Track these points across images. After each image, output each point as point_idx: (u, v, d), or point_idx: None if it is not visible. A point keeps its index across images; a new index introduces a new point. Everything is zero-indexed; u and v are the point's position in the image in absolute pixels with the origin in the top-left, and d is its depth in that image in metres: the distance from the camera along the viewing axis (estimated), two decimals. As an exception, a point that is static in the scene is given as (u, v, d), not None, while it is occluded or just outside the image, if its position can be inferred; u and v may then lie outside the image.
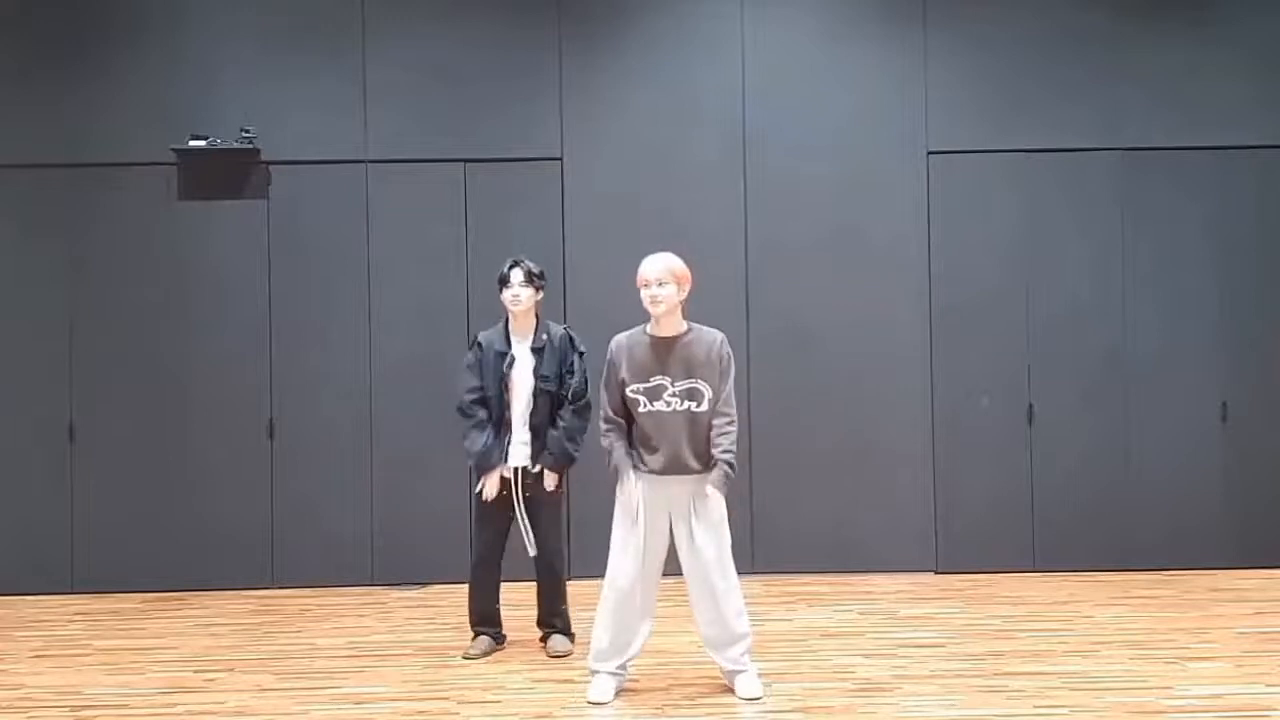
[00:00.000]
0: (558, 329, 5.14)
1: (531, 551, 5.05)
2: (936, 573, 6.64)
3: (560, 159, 6.70)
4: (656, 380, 4.36)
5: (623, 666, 4.51)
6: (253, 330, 6.61)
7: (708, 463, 4.38)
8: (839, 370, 6.65)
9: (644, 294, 4.36)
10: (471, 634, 5.15)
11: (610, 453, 4.47)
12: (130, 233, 6.60)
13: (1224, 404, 6.69)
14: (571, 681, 4.68)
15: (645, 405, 4.36)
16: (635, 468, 4.43)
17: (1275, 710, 4.20)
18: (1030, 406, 6.68)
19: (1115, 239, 6.73)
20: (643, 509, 4.41)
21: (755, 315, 6.66)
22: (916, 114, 6.74)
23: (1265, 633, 5.28)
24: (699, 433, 4.36)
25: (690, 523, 4.40)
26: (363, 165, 6.67)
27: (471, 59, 6.69)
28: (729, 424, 4.39)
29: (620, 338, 4.50)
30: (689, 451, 4.35)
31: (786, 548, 6.57)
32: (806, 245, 6.67)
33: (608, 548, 6.19)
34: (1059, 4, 6.76)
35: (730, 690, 4.48)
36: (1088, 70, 6.74)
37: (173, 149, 6.52)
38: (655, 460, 4.37)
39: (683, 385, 4.35)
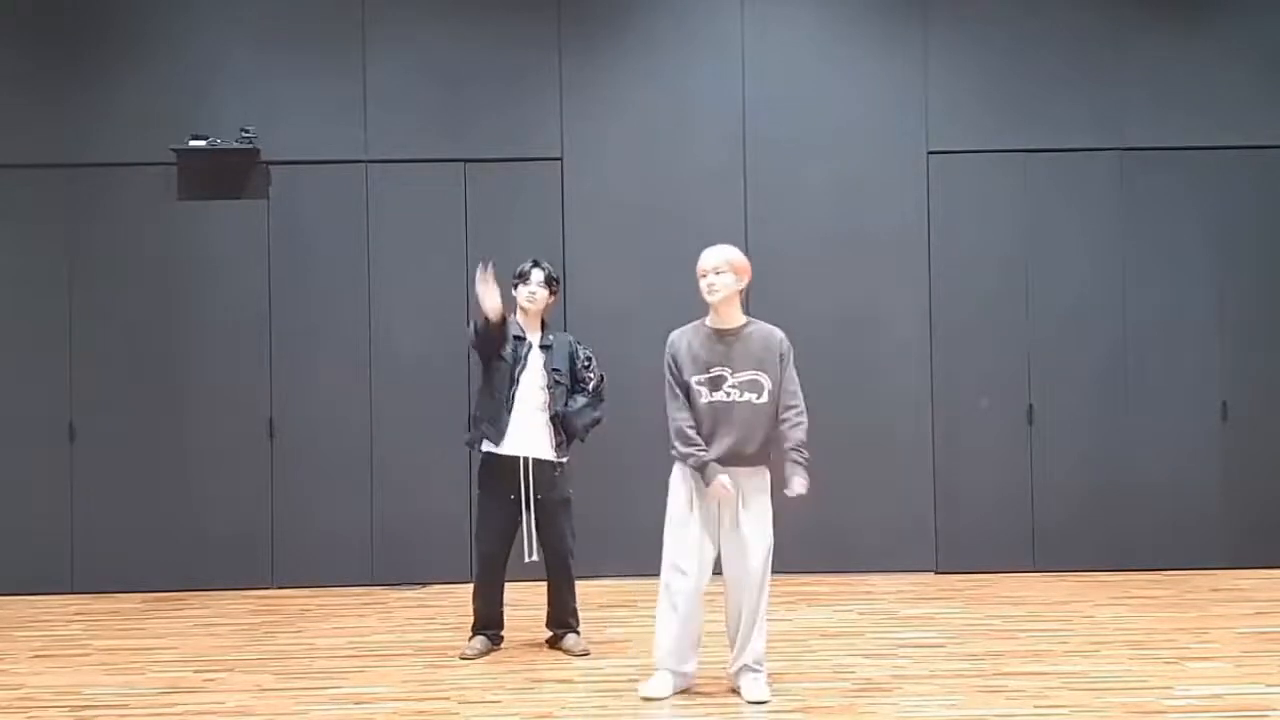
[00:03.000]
0: (563, 334, 5.23)
1: (531, 557, 5.03)
2: (936, 573, 6.64)
3: (560, 159, 6.70)
4: (717, 371, 4.37)
5: (686, 672, 4.48)
6: (253, 330, 6.60)
7: (764, 457, 4.38)
8: (839, 370, 6.64)
9: (701, 283, 4.41)
10: (470, 634, 5.16)
11: (693, 460, 4.35)
12: (130, 233, 6.60)
13: (1224, 404, 6.69)
14: (571, 681, 4.68)
15: (706, 396, 4.36)
16: (685, 460, 4.37)
17: (1275, 710, 4.20)
18: (1030, 406, 6.68)
19: (1115, 239, 6.73)
20: (695, 502, 4.39)
21: (755, 314, 6.58)
22: (916, 114, 6.74)
23: (1265, 633, 5.28)
24: (759, 425, 4.36)
25: (739, 518, 4.38)
26: (363, 165, 6.67)
27: (471, 59, 6.69)
28: (799, 415, 4.40)
29: (675, 333, 4.50)
30: (747, 443, 4.34)
31: (786, 548, 6.52)
32: (806, 245, 6.67)
33: (608, 548, 6.21)
34: (1059, 4, 6.76)
35: (733, 691, 4.47)
36: (1088, 70, 6.74)
37: (172, 149, 6.52)
38: (712, 451, 4.34)
39: (743, 377, 4.36)
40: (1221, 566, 6.60)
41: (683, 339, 4.47)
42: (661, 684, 4.44)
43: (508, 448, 4.98)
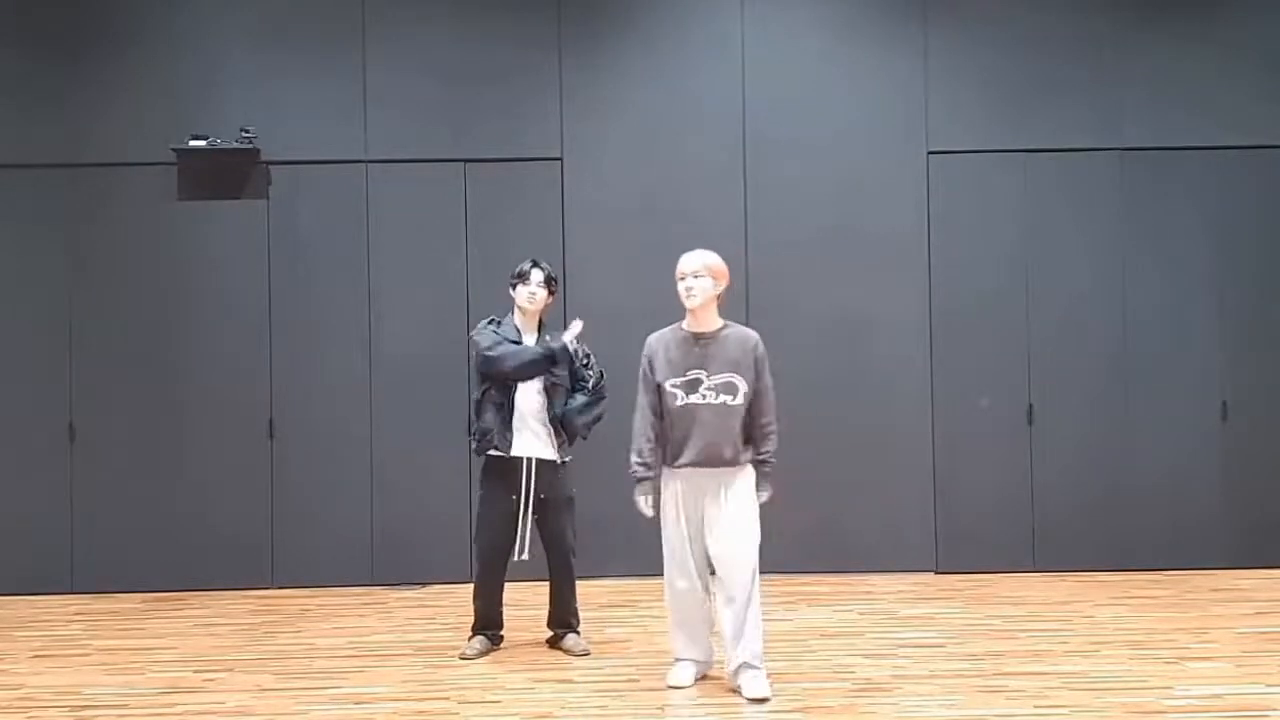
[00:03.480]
0: (559, 335, 5.18)
1: (521, 556, 5.01)
2: (936, 573, 6.64)
3: (560, 159, 6.70)
4: (694, 374, 4.46)
5: (704, 660, 4.67)
6: (253, 330, 6.60)
7: (738, 456, 4.47)
8: (839, 369, 6.65)
9: (680, 286, 4.50)
10: (469, 634, 5.16)
11: (633, 471, 4.54)
12: (130, 233, 6.60)
13: (1224, 404, 6.69)
14: (571, 681, 4.68)
15: (682, 399, 4.45)
16: (668, 464, 4.52)
17: (1275, 710, 4.20)
18: (1030, 406, 6.68)
19: (1115, 239, 6.73)
20: (681, 505, 4.50)
21: (755, 314, 6.63)
22: (916, 114, 6.73)
23: (1265, 633, 5.28)
24: (732, 426, 4.46)
25: (722, 514, 4.46)
26: (363, 165, 6.67)
27: (471, 59, 6.69)
28: (771, 426, 4.55)
29: (653, 336, 4.59)
30: (722, 444, 4.44)
31: (786, 548, 6.56)
32: (806, 245, 6.67)
33: (608, 548, 6.23)
34: (1059, 4, 6.76)
35: (733, 690, 4.47)
36: (1088, 70, 6.74)
37: (173, 149, 6.52)
38: (689, 454, 4.44)
39: (719, 379, 4.45)
40: (1221, 566, 6.60)
41: (660, 343, 4.56)
42: (684, 673, 4.60)
43: (513, 450, 4.98)
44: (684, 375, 4.46)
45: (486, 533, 5.07)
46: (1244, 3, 6.80)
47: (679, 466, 4.48)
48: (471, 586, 5.18)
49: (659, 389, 4.50)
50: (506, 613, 5.18)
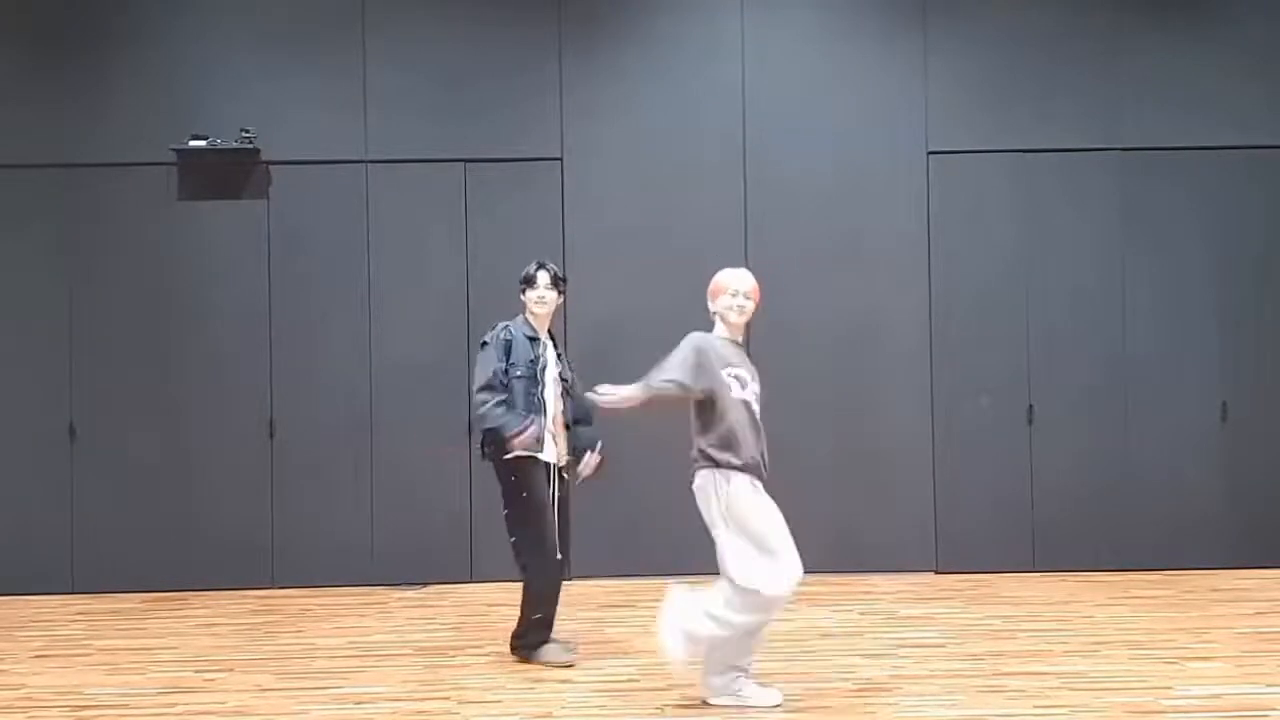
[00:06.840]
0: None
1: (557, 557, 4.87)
2: (936, 573, 6.64)
3: (560, 159, 6.70)
4: (740, 373, 4.42)
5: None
6: (253, 330, 6.61)
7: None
8: (839, 370, 6.65)
9: (729, 301, 4.44)
10: (536, 644, 4.92)
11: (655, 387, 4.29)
12: (130, 233, 6.60)
13: (1224, 404, 6.69)
14: (571, 681, 4.68)
15: (738, 390, 4.37)
16: (728, 465, 4.28)
17: (1275, 710, 4.20)
18: (1030, 407, 6.68)
19: (1115, 239, 6.74)
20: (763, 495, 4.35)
21: (754, 315, 6.64)
22: (916, 114, 6.74)
23: (1265, 633, 5.28)
24: (761, 435, 4.41)
25: None
26: (363, 165, 6.67)
27: (471, 59, 6.69)
28: None
29: (700, 334, 4.42)
30: (763, 451, 4.37)
31: (786, 548, 6.56)
32: (806, 245, 6.67)
33: (608, 548, 6.16)
34: (1059, 4, 6.76)
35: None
36: (1088, 70, 6.74)
37: (173, 149, 6.52)
38: (749, 456, 4.29)
39: (756, 386, 4.46)
40: (1221, 566, 6.60)
41: (712, 340, 4.43)
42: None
43: (545, 454, 4.88)
44: (739, 369, 4.43)
45: (548, 534, 4.83)
46: (1244, 3, 6.80)
47: (740, 469, 4.28)
48: (532, 597, 4.88)
49: (711, 376, 4.32)
50: (498, 613, 5.17)
